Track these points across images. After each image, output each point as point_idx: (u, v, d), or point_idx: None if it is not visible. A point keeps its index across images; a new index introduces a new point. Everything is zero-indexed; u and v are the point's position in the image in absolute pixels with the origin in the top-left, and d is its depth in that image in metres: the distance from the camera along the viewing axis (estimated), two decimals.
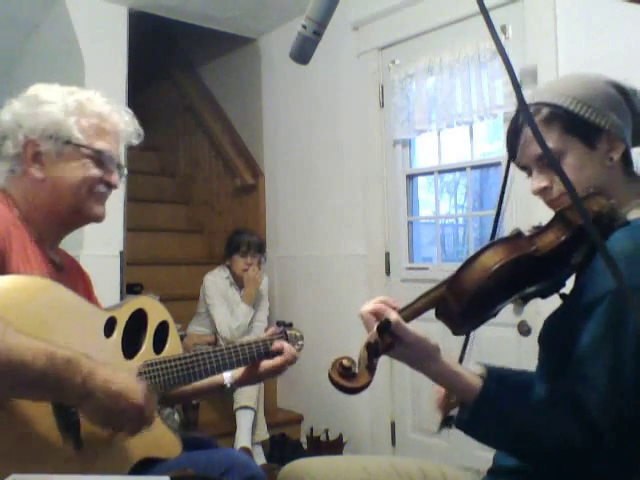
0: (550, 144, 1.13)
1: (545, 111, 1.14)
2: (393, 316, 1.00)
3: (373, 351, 0.99)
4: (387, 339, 0.99)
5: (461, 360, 1.34)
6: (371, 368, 0.99)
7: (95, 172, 1.37)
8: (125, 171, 1.49)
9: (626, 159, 1.15)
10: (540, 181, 1.17)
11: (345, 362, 0.98)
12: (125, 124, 1.44)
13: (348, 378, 0.98)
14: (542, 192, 1.17)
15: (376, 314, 1.04)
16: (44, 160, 1.34)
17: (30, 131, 1.33)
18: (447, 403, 1.18)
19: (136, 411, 1.16)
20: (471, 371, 1.06)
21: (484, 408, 1.03)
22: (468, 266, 1.02)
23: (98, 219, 1.42)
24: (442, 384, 1.05)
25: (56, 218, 1.37)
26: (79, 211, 1.38)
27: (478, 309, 1.06)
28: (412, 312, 1.04)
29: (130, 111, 1.48)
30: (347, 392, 0.98)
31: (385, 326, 0.98)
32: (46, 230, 1.37)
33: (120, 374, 1.17)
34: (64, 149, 1.34)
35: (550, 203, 1.17)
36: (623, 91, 1.16)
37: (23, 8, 3.35)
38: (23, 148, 1.33)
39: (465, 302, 1.01)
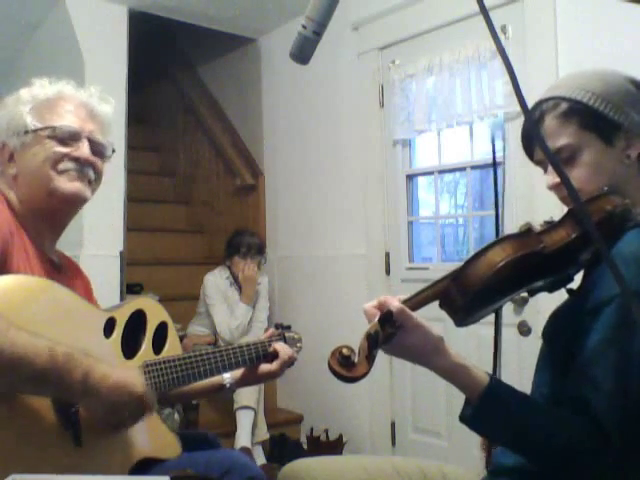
0: (566, 139, 1.12)
1: (564, 105, 1.13)
2: (395, 304, 1.00)
3: (373, 341, 0.99)
4: (388, 330, 0.99)
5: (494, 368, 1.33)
6: (370, 358, 0.98)
7: (56, 149, 1.34)
8: (112, 148, 1.45)
9: None
10: (554, 177, 1.16)
11: (345, 351, 0.98)
12: (84, 97, 1.41)
13: (347, 367, 0.98)
14: (556, 188, 1.17)
15: (379, 307, 1.03)
16: (16, 157, 1.35)
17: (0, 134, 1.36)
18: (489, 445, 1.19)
19: (137, 401, 1.19)
20: (477, 366, 1.05)
21: (489, 404, 1.02)
22: (475, 260, 1.01)
23: (73, 196, 1.36)
24: (446, 378, 1.04)
25: (40, 210, 1.36)
26: (51, 192, 1.34)
27: (482, 303, 1.06)
28: (416, 303, 1.03)
29: (93, 87, 1.45)
30: (345, 381, 0.98)
31: (387, 317, 0.99)
32: (40, 228, 1.37)
33: (117, 367, 1.20)
34: (25, 139, 1.34)
35: (563, 199, 1.17)
36: None
37: (23, 8, 3.35)
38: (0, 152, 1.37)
39: (469, 296, 1.01)
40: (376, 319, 1.00)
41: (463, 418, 1.05)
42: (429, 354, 1.03)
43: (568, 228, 1.04)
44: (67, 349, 1.12)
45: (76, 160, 1.35)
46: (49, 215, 1.38)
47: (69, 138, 1.35)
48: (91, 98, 1.43)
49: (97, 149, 1.40)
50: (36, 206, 1.35)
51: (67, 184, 1.34)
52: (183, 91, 4.66)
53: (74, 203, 1.39)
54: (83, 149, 1.36)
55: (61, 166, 1.34)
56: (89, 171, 1.38)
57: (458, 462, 1.75)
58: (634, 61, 2.08)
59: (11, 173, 1.35)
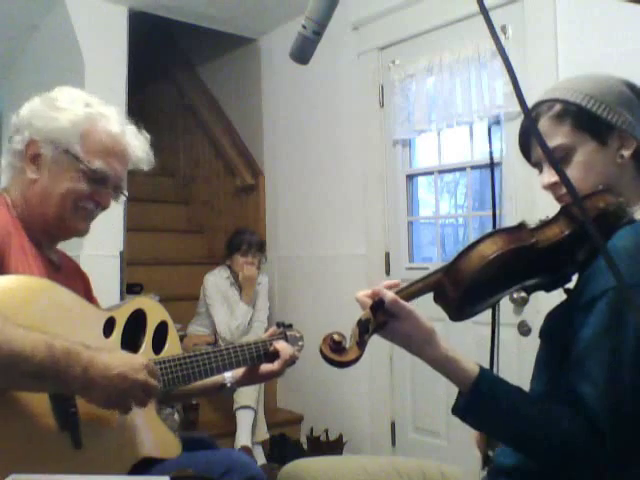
0: (560, 139, 1.14)
1: (558, 107, 1.15)
2: (388, 295, 1.01)
3: (364, 328, 1.00)
4: (380, 317, 1.00)
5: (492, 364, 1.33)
6: (361, 344, 0.99)
7: (83, 187, 1.35)
8: (125, 195, 1.48)
9: (638, 157, 1.15)
10: (550, 176, 1.17)
11: (336, 337, 0.99)
12: (135, 148, 1.42)
13: (338, 352, 0.99)
14: (552, 187, 1.18)
15: (372, 296, 1.04)
16: (41, 162, 1.34)
17: (36, 132, 1.33)
18: (485, 442, 1.19)
19: (140, 387, 1.18)
20: (468, 358, 1.05)
21: (480, 396, 1.02)
22: (466, 253, 1.02)
23: (79, 234, 1.41)
24: (437, 369, 1.05)
25: (44, 222, 1.36)
26: (61, 221, 1.36)
27: (475, 297, 1.06)
28: (408, 294, 1.04)
29: (147, 136, 1.47)
30: (337, 365, 0.99)
31: (378, 305, 1.00)
32: (40, 232, 1.37)
33: (118, 355, 1.20)
34: (61, 157, 1.33)
35: (559, 199, 1.18)
36: (636, 90, 1.16)
37: (23, 8, 3.35)
38: (25, 146, 1.34)
39: (461, 289, 1.01)
40: (368, 307, 1.01)
41: (455, 410, 1.05)
42: (420, 343, 1.03)
43: (561, 225, 1.05)
44: (66, 343, 1.12)
45: (96, 203, 1.38)
46: (49, 231, 1.39)
47: (99, 181, 1.37)
48: (138, 144, 1.44)
49: (115, 190, 1.44)
50: (40, 218, 1.36)
51: (77, 222, 1.38)
52: (183, 91, 4.66)
53: (73, 236, 1.43)
54: (107, 197, 1.40)
55: (81, 203, 1.37)
56: (100, 212, 1.42)
57: (458, 462, 1.75)
58: (634, 61, 2.09)
59: (30, 177, 1.34)
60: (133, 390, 1.17)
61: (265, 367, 1.54)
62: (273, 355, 1.54)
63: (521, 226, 1.06)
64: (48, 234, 1.39)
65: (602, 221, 1.04)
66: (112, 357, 1.17)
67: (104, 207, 1.41)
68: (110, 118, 1.39)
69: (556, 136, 1.14)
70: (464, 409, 1.03)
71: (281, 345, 1.55)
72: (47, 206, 1.34)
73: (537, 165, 1.23)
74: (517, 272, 1.05)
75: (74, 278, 1.48)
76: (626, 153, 1.13)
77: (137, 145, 1.43)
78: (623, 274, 0.85)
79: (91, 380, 1.12)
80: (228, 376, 1.56)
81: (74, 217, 1.37)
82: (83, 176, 1.34)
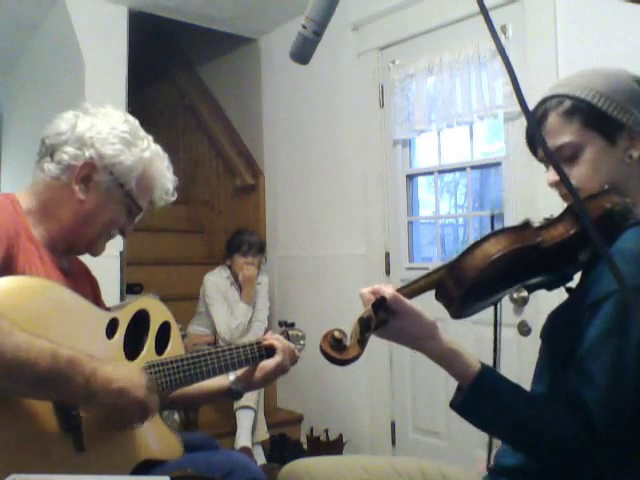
0: (569, 137, 1.12)
1: (567, 103, 1.13)
2: (389, 291, 1.00)
3: (365, 325, 0.99)
4: (381, 315, 1.00)
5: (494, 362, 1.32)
6: (362, 342, 0.99)
7: (123, 220, 1.40)
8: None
9: None
10: (555, 175, 1.16)
11: (336, 334, 0.99)
12: (163, 192, 1.46)
13: (338, 350, 0.98)
14: (557, 185, 1.17)
15: (374, 293, 1.04)
16: (91, 186, 1.34)
17: (99, 157, 1.33)
18: None
19: (139, 405, 1.19)
20: (470, 353, 1.05)
21: (481, 391, 1.02)
22: (470, 252, 1.01)
23: (97, 255, 1.44)
24: (439, 363, 1.04)
25: (67, 237, 1.36)
26: (90, 243, 1.39)
27: (477, 295, 1.05)
28: (410, 291, 1.04)
29: (176, 179, 1.51)
30: (336, 363, 0.99)
31: (380, 303, 0.99)
32: (55, 240, 1.36)
33: (121, 370, 1.19)
34: (114, 189, 1.35)
35: (564, 197, 1.17)
36: None
37: (23, 8, 3.35)
38: (81, 165, 1.32)
39: (464, 287, 1.01)
40: (370, 305, 1.00)
41: (453, 405, 1.05)
42: (422, 339, 1.03)
43: (567, 224, 1.04)
44: (71, 352, 1.11)
45: (122, 231, 1.43)
46: (68, 245, 1.39)
47: (134, 214, 1.42)
48: (169, 189, 1.48)
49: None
50: (68, 233, 1.36)
51: (102, 246, 1.43)
52: (183, 91, 4.66)
53: (90, 255, 1.45)
54: (131, 227, 1.44)
55: (112, 232, 1.41)
56: None
57: (458, 462, 1.75)
58: (634, 61, 2.08)
59: (78, 195, 1.33)
60: (131, 407, 1.18)
61: (268, 363, 1.53)
62: (272, 352, 1.53)
63: (526, 225, 1.04)
64: (69, 247, 1.39)
65: (607, 221, 1.03)
66: (115, 370, 1.17)
67: (125, 234, 1.45)
68: (164, 159, 1.47)
69: (564, 134, 1.13)
70: (463, 403, 1.03)
71: (274, 338, 1.54)
72: (85, 226, 1.36)
73: (543, 161, 1.21)
74: (521, 271, 1.04)
75: (83, 282, 1.48)
76: (635, 153, 1.12)
77: (168, 189, 1.47)
78: (628, 276, 0.84)
79: (92, 391, 1.12)
80: (232, 379, 1.55)
81: (102, 242, 1.41)
82: (126, 209, 1.39)
